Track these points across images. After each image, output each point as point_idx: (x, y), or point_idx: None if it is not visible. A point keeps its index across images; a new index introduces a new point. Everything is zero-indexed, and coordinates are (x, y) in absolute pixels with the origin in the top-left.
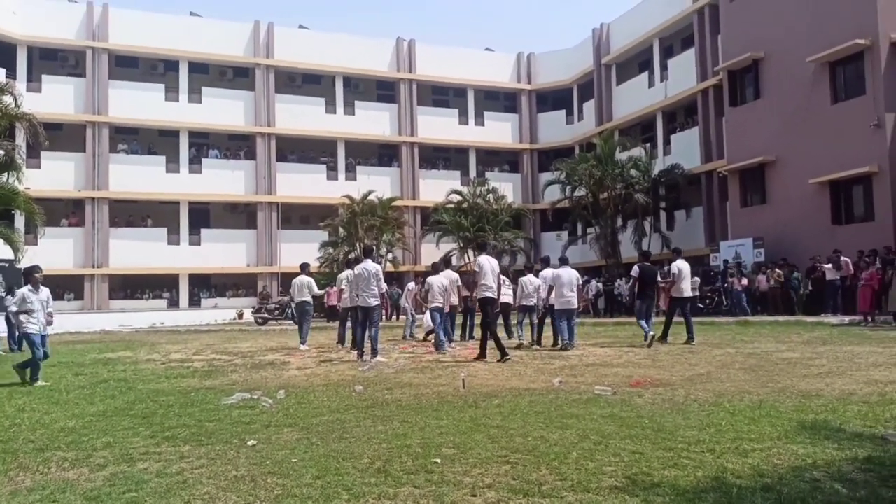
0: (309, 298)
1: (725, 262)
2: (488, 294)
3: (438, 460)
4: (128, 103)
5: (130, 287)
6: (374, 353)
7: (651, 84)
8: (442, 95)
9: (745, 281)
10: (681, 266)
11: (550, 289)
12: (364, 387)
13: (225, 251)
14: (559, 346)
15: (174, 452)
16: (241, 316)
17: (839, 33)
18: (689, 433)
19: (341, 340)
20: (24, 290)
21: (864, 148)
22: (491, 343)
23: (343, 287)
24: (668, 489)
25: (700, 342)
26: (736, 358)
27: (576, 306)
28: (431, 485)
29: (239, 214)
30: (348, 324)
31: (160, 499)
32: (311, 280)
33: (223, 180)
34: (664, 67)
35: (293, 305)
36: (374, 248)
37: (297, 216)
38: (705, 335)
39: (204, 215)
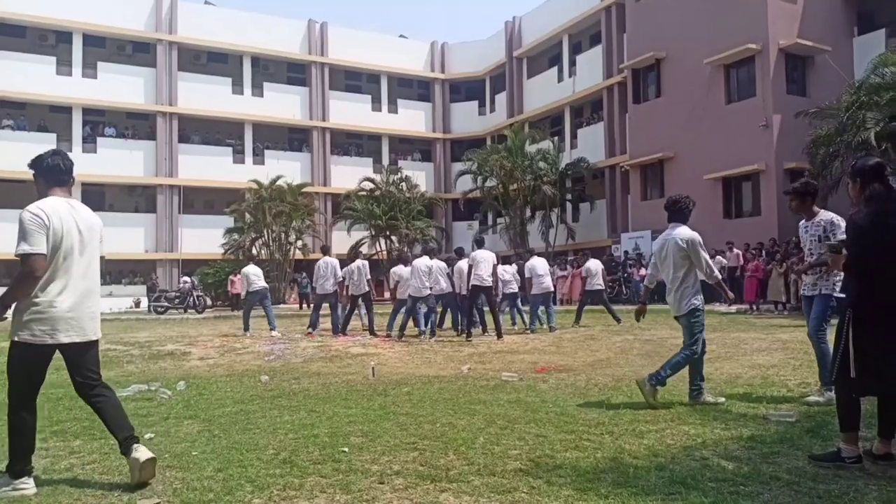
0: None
1: (626, 252)
2: (476, 282)
3: (346, 449)
4: (14, 76)
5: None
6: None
7: (560, 79)
8: (355, 81)
9: (643, 271)
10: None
11: (529, 277)
12: (270, 377)
13: (121, 236)
14: (527, 329)
15: (63, 448)
16: (138, 304)
17: (733, 38)
18: (589, 416)
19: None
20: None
21: (754, 147)
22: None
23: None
24: (570, 470)
25: (601, 329)
26: (634, 344)
27: (552, 290)
28: (339, 473)
29: (137, 197)
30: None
31: (47, 497)
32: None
33: (120, 161)
34: (573, 63)
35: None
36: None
37: (201, 201)
38: (606, 323)
39: (99, 197)
